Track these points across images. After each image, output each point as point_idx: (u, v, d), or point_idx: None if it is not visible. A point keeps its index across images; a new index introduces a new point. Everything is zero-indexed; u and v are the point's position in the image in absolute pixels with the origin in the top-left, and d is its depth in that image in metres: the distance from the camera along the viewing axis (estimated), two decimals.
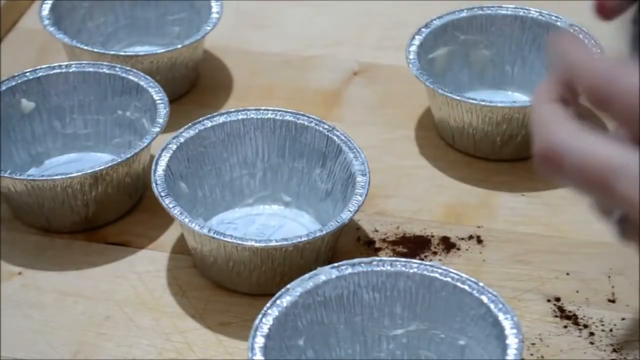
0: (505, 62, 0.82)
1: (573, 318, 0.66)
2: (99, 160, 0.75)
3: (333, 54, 0.88)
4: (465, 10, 0.81)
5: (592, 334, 0.65)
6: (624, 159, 0.43)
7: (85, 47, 0.79)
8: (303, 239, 0.64)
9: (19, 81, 0.75)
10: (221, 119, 0.72)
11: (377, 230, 0.72)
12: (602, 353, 0.63)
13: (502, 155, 0.77)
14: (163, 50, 0.79)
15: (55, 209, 0.70)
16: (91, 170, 0.69)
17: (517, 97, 0.81)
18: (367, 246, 0.71)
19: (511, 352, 0.54)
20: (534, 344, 0.64)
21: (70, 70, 0.76)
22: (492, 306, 0.57)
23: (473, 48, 0.81)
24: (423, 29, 0.79)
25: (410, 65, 0.77)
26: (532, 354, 0.63)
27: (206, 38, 0.82)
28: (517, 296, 0.67)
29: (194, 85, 0.85)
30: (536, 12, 0.80)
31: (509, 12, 0.80)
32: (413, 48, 0.78)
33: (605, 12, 0.53)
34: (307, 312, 0.58)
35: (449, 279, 0.58)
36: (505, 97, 0.81)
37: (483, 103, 0.74)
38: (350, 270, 0.59)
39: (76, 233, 0.72)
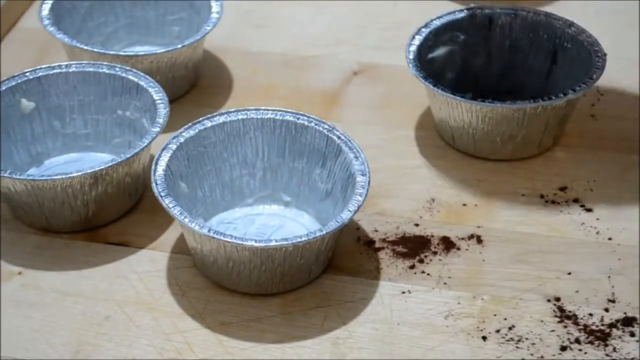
0: (504, 62, 0.82)
1: (573, 318, 0.66)
2: (99, 160, 0.75)
3: (333, 54, 0.88)
4: (465, 10, 0.81)
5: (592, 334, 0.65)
6: None
7: (85, 47, 0.79)
8: (303, 239, 0.64)
9: (19, 81, 0.75)
10: (221, 119, 0.72)
11: (377, 230, 0.72)
12: (601, 353, 0.63)
13: (502, 155, 0.77)
14: (163, 50, 0.79)
15: (55, 208, 0.70)
16: (91, 170, 0.69)
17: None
18: (367, 246, 0.71)
19: None
20: (534, 343, 0.64)
21: (70, 70, 0.76)
22: None
23: (473, 48, 0.81)
24: (423, 29, 0.79)
25: (410, 65, 0.77)
26: (532, 354, 0.63)
27: (206, 38, 0.82)
28: (517, 296, 0.67)
29: (194, 85, 0.85)
30: (536, 12, 0.80)
31: (509, 12, 0.80)
32: (413, 48, 0.78)
33: None
34: None
35: None
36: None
37: (483, 103, 0.74)
38: None
39: (76, 233, 0.72)
